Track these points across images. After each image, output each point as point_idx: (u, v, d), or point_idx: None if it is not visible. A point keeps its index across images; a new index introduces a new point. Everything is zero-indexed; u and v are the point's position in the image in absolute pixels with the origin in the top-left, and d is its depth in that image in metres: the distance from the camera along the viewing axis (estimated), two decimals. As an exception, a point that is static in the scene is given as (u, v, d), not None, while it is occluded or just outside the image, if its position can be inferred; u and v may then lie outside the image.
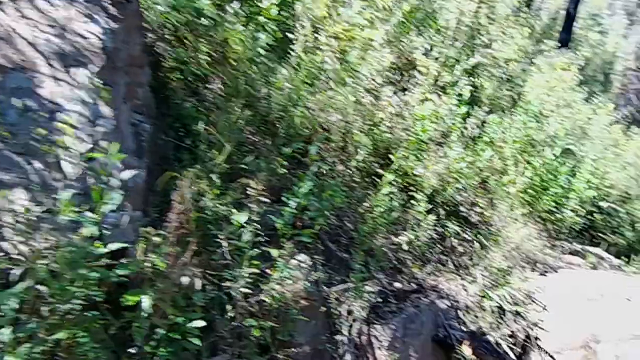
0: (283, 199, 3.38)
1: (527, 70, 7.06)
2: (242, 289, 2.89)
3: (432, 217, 4.65)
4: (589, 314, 4.99)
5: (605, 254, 6.15)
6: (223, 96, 4.19)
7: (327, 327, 3.84)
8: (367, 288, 3.96)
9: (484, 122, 6.00)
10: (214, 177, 3.42)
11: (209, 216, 3.19)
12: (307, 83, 4.77)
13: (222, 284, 2.99)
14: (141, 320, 2.60)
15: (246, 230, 3.21)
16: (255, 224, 3.31)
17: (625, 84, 11.38)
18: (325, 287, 3.86)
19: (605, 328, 4.89)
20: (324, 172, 4.67)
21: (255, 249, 3.23)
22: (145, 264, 2.62)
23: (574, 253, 5.93)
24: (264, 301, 3.07)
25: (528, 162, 5.81)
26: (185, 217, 2.85)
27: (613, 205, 6.41)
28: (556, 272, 5.41)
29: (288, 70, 4.81)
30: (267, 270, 3.20)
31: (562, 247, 5.94)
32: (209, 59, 4.28)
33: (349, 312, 3.90)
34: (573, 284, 5.24)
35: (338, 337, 3.77)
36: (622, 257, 6.60)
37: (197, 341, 2.70)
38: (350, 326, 3.84)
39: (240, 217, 3.19)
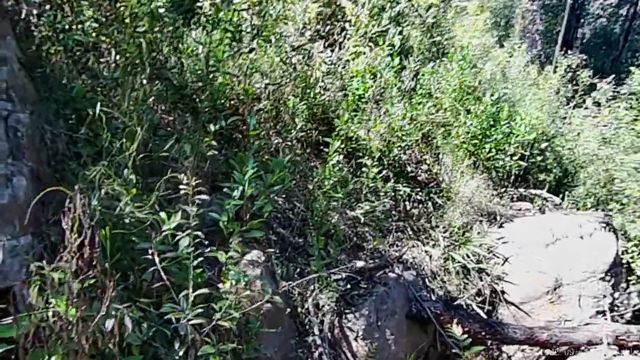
0: (225, 189, 2.62)
1: (449, 16, 6.65)
2: (192, 321, 2.13)
3: (389, 183, 4.10)
4: (549, 259, 4.79)
5: (546, 194, 6.04)
6: (122, 68, 3.26)
7: (295, 329, 3.19)
8: (333, 275, 3.35)
9: (417, 73, 5.51)
10: (127, 173, 2.57)
11: (128, 226, 2.36)
12: (223, 45, 3.92)
13: (162, 312, 2.21)
14: (52, 390, 1.79)
15: (182, 236, 2.42)
16: (191, 225, 2.54)
17: (525, 25, 11.57)
18: (285, 283, 3.19)
19: (565, 270, 4.72)
20: (261, 147, 3.92)
21: (197, 257, 2.47)
22: (46, 312, 1.78)
23: (520, 198, 5.74)
24: (220, 325, 2.33)
25: (467, 111, 5.43)
26: (91, 230, 2.01)
27: (550, 145, 6.29)
28: (512, 221, 5.15)
29: (198, 32, 3.93)
30: (218, 284, 2.46)
31: (508, 193, 5.72)
32: (96, 23, 3.31)
33: (317, 307, 3.28)
34: (529, 231, 5.01)
35: (309, 339, 3.15)
36: (555, 195, 6.60)
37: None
38: (321, 322, 3.23)
39: (172, 220, 2.39)
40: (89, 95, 2.98)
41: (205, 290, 2.27)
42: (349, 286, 3.36)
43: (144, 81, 3.21)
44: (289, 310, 3.11)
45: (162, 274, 2.24)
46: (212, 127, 3.29)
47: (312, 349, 3.08)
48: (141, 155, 2.81)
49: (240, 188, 2.54)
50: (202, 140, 3.30)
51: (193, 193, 2.28)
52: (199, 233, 2.33)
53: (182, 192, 2.30)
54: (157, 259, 2.26)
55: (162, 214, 2.38)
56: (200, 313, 2.18)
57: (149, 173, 2.92)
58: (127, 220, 2.39)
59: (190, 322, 2.12)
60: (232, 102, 4.04)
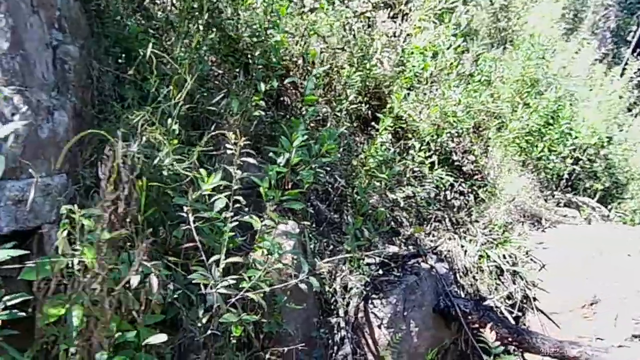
0: (271, 154, 2.44)
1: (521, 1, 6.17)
2: (221, 290, 1.99)
3: (437, 170, 3.85)
4: (589, 273, 4.48)
5: (595, 204, 5.65)
6: (178, 12, 3.07)
7: (318, 307, 3.05)
8: (367, 258, 3.17)
9: (478, 57, 5.14)
10: (170, 122, 2.41)
11: (165, 179, 2.21)
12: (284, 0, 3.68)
13: (189, 276, 2.08)
14: (69, 340, 1.69)
15: (219, 197, 2.27)
16: (231, 186, 2.39)
17: (596, 21, 10.76)
18: (317, 260, 3.03)
19: (605, 287, 4.41)
20: (306, 115, 3.71)
21: (233, 222, 2.33)
22: (72, 259, 1.66)
23: (567, 204, 5.39)
24: (247, 296, 2.19)
25: (526, 105, 5.06)
26: (129, 183, 1.87)
27: (610, 152, 5.86)
28: (555, 227, 4.84)
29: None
30: (255, 255, 2.31)
31: (555, 197, 5.37)
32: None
33: (345, 288, 3.12)
34: (572, 240, 4.69)
35: (333, 320, 3.01)
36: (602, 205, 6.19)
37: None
38: (347, 304, 3.07)
39: (211, 179, 2.24)
40: (141, 36, 2.82)
41: (236, 259, 2.12)
42: (380, 272, 3.17)
43: (200, 27, 3.02)
44: (316, 287, 2.95)
45: (194, 233, 2.10)
46: (262, 86, 3.10)
47: (334, 331, 2.94)
48: (187, 106, 2.65)
49: (287, 155, 2.35)
50: (250, 99, 3.12)
51: (240, 154, 2.10)
52: (240, 198, 2.16)
53: (227, 151, 2.12)
54: (191, 218, 2.11)
55: (202, 171, 2.22)
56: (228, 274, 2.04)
57: (191, 126, 2.77)
58: (165, 173, 2.25)
59: (219, 291, 1.98)
60: (286, 63, 3.82)
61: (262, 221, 2.49)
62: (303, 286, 2.68)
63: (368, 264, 3.14)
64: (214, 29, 3.23)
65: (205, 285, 2.02)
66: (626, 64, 7.93)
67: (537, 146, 5.15)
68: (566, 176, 5.57)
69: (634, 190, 6.71)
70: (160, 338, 1.80)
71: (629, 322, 4.25)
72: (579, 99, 6.38)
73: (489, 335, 2.80)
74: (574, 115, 5.21)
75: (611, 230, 4.92)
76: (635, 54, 8.46)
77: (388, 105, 3.84)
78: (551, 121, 5.12)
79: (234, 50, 3.39)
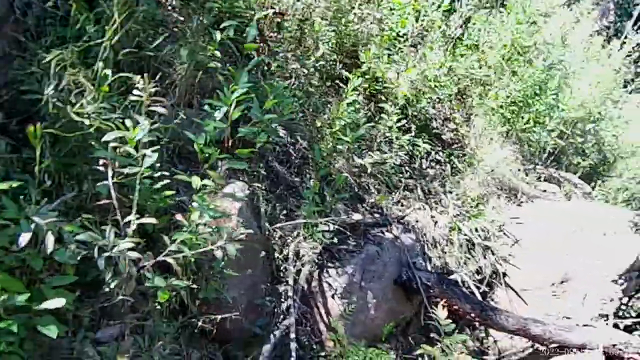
0: (206, 107, 2.20)
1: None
2: (129, 253, 1.78)
3: (406, 136, 3.61)
4: (562, 250, 4.33)
5: (577, 180, 5.46)
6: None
7: (268, 274, 2.88)
8: (321, 225, 2.97)
9: (467, 20, 4.83)
10: (101, 65, 2.15)
11: (86, 127, 1.98)
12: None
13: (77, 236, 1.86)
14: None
15: (146, 150, 2.04)
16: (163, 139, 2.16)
17: (602, -8, 10.29)
18: (268, 225, 2.83)
19: (578, 265, 4.27)
20: (272, 69, 3.44)
21: (162, 178, 2.11)
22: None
23: (548, 179, 5.19)
24: (176, 258, 2.00)
25: (514, 72, 4.78)
26: (35, 126, 1.64)
27: (601, 129, 5.62)
28: (532, 202, 4.66)
29: None
30: (178, 216, 2.10)
31: (536, 171, 5.16)
32: None
33: (297, 255, 2.94)
34: (549, 215, 4.52)
35: (281, 287, 2.84)
36: (586, 181, 6.00)
37: (52, 328, 1.63)
38: (298, 272, 2.90)
39: (137, 129, 2.00)
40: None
41: (150, 220, 1.91)
42: (335, 240, 2.99)
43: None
44: (264, 253, 2.77)
45: (112, 190, 1.88)
46: (217, 35, 2.82)
47: (281, 299, 2.77)
48: (126, 50, 2.38)
49: (224, 108, 2.11)
50: (205, 48, 2.85)
51: (149, 103, 1.86)
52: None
53: (132, 97, 1.88)
54: (109, 172, 1.89)
55: (128, 122, 1.98)
56: (143, 245, 1.84)
57: (133, 73, 2.51)
58: (86, 122, 2.01)
59: (126, 254, 1.78)
60: (253, 12, 3.52)
61: (202, 180, 2.28)
62: (248, 248, 2.49)
63: (324, 231, 2.95)
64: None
65: (104, 248, 1.81)
66: (626, 37, 7.58)
67: (522, 117, 4.91)
68: (550, 150, 5.35)
69: (621, 169, 6.52)
70: (57, 302, 1.61)
71: (597, 302, 4.13)
72: (572, 71, 6.09)
73: (441, 311, 2.64)
74: (563, 87, 4.94)
75: (591, 208, 4.75)
76: (636, 28, 8.09)
77: (361, 64, 3.56)
78: (538, 92, 4.86)
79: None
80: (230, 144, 2.24)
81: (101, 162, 1.87)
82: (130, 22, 2.37)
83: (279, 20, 3.51)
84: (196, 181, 2.25)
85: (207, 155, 2.16)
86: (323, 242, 2.88)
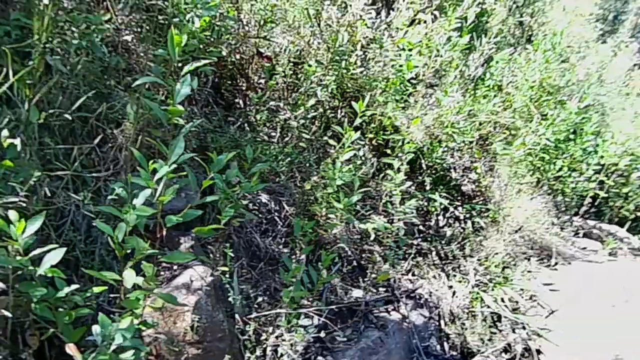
0: (119, 190, 1.63)
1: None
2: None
3: (413, 201, 2.95)
4: (609, 324, 3.49)
5: (623, 233, 4.59)
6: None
7: (238, 377, 2.25)
8: (304, 317, 2.32)
9: (489, 59, 4.18)
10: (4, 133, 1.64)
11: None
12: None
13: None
14: None
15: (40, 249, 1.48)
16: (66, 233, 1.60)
17: (638, 23, 9.37)
18: (238, 317, 2.22)
19: (629, 345, 3.43)
20: (257, 121, 2.89)
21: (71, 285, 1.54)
22: None
23: (588, 234, 4.37)
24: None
25: (543, 116, 4.07)
26: None
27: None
28: (569, 263, 3.86)
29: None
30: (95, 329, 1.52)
31: (573, 225, 4.36)
32: None
33: (276, 353, 2.30)
34: (591, 280, 3.71)
35: (254, 395, 2.19)
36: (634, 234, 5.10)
37: None
38: (276, 375, 2.25)
39: (21, 226, 1.45)
40: None
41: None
42: (322, 334, 2.32)
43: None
44: (228, 357, 2.14)
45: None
46: (184, 89, 2.28)
47: (252, 412, 2.12)
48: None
49: (146, 191, 1.54)
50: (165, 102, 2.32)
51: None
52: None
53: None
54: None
55: (13, 214, 1.43)
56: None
57: (61, 140, 1.99)
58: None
59: None
60: (238, 56, 3.01)
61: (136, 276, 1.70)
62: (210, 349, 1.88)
63: (304, 326, 2.29)
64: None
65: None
66: (669, 70, 6.71)
67: (554, 164, 4.16)
68: (589, 200, 4.54)
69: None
70: None
71: (656, 393, 3.26)
72: (611, 110, 5.30)
73: None
74: (602, 129, 4.18)
75: (640, 271, 3.90)
76: (679, 60, 7.19)
77: (362, 114, 2.96)
78: (572, 136, 4.12)
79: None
80: (164, 232, 1.67)
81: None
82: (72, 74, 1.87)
83: (267, 64, 2.98)
84: (129, 279, 1.68)
85: (128, 249, 1.59)
86: (305, 337, 2.23)
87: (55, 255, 1.53)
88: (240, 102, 3.05)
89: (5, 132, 1.63)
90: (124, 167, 1.95)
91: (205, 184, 1.81)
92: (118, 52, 2.38)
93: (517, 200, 3.91)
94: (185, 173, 1.75)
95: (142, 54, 2.44)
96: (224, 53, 2.98)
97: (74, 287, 1.57)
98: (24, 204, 1.54)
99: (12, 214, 1.39)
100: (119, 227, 1.53)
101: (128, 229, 1.52)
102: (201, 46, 2.35)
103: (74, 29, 2.12)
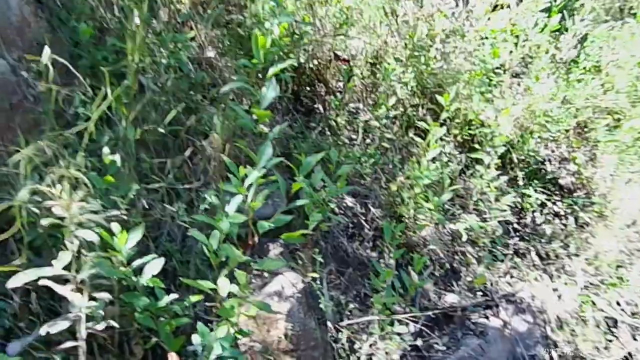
0: (211, 198, 1.62)
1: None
2: None
3: (509, 197, 2.70)
4: None
5: None
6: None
7: (334, 386, 2.17)
8: (398, 323, 2.19)
9: (584, 38, 3.76)
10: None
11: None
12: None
13: None
14: None
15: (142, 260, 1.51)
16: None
17: None
18: (331, 324, 2.14)
19: None
20: (338, 126, 2.81)
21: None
22: None
23: None
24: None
25: (654, 95, 3.57)
26: None
27: None
28: (698, 261, 3.33)
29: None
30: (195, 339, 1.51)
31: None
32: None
33: (371, 360, 2.19)
34: None
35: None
36: None
37: None
38: (372, 386, 2.14)
39: (124, 236, 1.48)
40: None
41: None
42: (419, 341, 2.17)
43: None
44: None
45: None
46: (270, 93, 2.26)
47: None
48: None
49: (238, 197, 1.51)
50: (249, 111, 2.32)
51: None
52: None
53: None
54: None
55: (116, 226, 1.46)
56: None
57: (155, 154, 2.04)
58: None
59: None
60: (316, 61, 2.96)
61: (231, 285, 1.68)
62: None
63: (400, 334, 2.15)
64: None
65: None
66: None
67: (670, 148, 3.62)
68: None
69: None
70: None
71: None
72: None
73: None
74: None
75: None
76: None
77: (447, 108, 2.77)
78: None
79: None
80: (256, 239, 1.63)
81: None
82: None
83: (344, 67, 2.90)
84: (223, 289, 1.66)
85: (223, 258, 1.57)
86: (400, 345, 2.09)
87: (155, 265, 1.56)
88: (320, 107, 3.00)
89: (106, 150, 1.69)
90: (214, 177, 1.96)
91: (295, 187, 1.76)
92: (203, 67, 2.43)
93: (628, 191, 3.46)
94: (274, 178, 1.70)
95: (224, 68, 2.47)
96: (302, 60, 2.96)
97: (173, 296, 1.58)
98: (125, 217, 1.58)
99: (115, 227, 1.42)
100: (213, 235, 1.52)
101: (222, 237, 1.50)
102: (281, 53, 2.33)
103: (162, 49, 2.20)
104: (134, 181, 1.83)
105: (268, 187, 1.64)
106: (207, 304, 1.78)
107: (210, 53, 2.58)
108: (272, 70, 1.68)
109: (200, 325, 1.47)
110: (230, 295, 1.68)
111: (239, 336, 1.71)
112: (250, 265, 1.63)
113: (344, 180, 2.02)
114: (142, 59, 1.97)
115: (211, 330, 1.64)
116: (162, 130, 1.97)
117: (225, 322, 1.68)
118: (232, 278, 1.71)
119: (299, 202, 1.87)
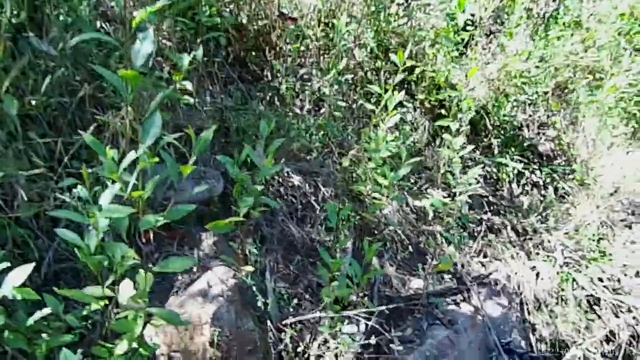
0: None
1: None
2: None
3: (477, 169, 2.36)
4: None
5: None
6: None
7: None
8: (349, 320, 1.87)
9: (563, -10, 3.38)
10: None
11: None
12: None
13: None
14: None
15: None
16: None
17: None
18: (270, 323, 1.81)
19: None
20: (282, 94, 2.42)
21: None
22: None
23: None
24: None
25: (637, 51, 3.23)
26: None
27: None
28: (685, 229, 3.06)
29: None
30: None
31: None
32: None
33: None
34: None
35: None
36: None
37: None
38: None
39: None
40: None
41: None
42: (372, 340, 1.85)
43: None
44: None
45: None
46: (185, 60, 1.87)
47: None
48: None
49: (114, 186, 1.14)
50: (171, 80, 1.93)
51: None
52: None
53: None
54: None
55: None
56: None
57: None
58: None
59: None
60: (261, 22, 2.55)
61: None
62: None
63: (351, 334, 1.84)
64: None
65: None
66: None
67: (654, 109, 3.31)
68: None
69: None
70: None
71: None
72: None
73: None
74: None
75: None
76: None
77: (406, 68, 2.39)
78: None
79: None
80: (151, 233, 1.28)
81: None
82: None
83: (292, 27, 2.49)
84: (129, 297, 1.31)
85: (105, 263, 1.21)
86: (349, 348, 1.77)
87: (19, 274, 1.20)
88: (268, 74, 2.60)
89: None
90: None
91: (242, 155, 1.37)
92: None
93: (610, 156, 3.15)
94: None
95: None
96: (244, 21, 2.56)
97: (46, 311, 1.23)
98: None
99: None
100: (88, 235, 1.16)
101: (99, 236, 1.15)
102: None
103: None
104: (10, 165, 1.45)
105: (162, 172, 1.27)
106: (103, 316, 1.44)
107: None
108: (138, 15, 1.16)
109: (64, 351, 1.11)
110: (129, 304, 1.33)
111: (143, 352, 1.37)
112: (149, 268, 1.28)
113: (271, 158, 1.65)
114: (16, 13, 1.56)
115: (111, 346, 1.31)
116: (59, 102, 1.58)
117: (124, 336, 1.34)
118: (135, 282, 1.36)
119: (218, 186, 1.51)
